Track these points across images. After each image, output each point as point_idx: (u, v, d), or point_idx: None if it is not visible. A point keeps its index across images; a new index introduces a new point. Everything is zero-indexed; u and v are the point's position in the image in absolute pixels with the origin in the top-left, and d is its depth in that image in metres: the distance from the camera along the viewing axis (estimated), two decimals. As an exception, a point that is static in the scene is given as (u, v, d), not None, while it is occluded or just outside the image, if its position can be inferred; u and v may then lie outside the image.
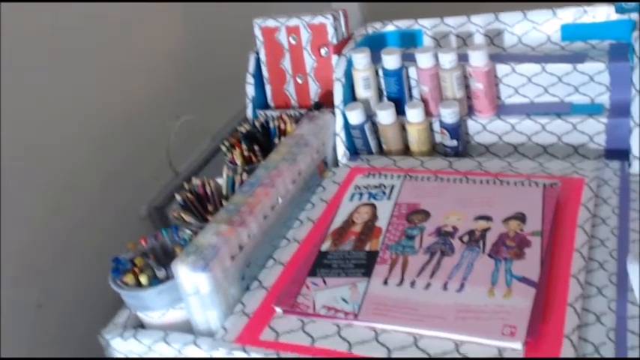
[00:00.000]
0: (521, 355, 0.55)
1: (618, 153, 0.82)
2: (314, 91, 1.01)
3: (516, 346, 0.56)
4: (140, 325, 0.72)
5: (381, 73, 0.93)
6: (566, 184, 0.76)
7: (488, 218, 0.71)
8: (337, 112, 0.93)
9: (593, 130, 0.83)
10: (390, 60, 0.91)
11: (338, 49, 0.97)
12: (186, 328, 0.69)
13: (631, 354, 0.54)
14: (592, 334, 0.57)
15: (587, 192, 0.74)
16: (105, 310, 0.75)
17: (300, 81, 1.02)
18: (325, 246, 0.73)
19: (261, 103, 1.04)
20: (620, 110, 0.83)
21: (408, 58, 0.92)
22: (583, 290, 0.61)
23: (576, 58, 0.86)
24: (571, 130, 0.85)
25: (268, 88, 1.04)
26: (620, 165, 0.80)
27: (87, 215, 1.00)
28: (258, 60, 1.03)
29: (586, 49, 0.88)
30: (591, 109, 0.84)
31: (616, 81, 0.84)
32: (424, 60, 0.89)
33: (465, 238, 0.69)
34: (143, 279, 0.68)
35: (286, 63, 1.01)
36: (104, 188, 1.03)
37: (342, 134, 0.93)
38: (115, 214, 1.05)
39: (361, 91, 0.94)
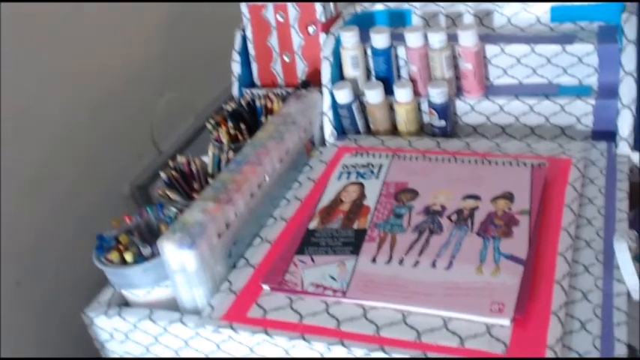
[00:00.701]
0: (509, 332, 0.55)
1: (605, 134, 0.82)
2: (301, 70, 1.00)
3: (504, 323, 0.56)
4: (125, 304, 0.71)
5: (369, 52, 0.92)
6: (554, 164, 0.76)
7: (476, 197, 0.71)
8: (325, 90, 0.92)
9: (581, 112, 0.83)
10: (379, 39, 0.90)
11: (326, 28, 0.96)
12: (172, 306, 0.68)
13: (617, 331, 0.55)
14: (579, 311, 0.57)
15: (575, 172, 0.75)
16: (88, 289, 0.74)
17: (287, 59, 1.00)
18: (313, 224, 0.72)
19: (247, 81, 1.03)
20: (608, 92, 0.83)
21: (397, 38, 0.91)
22: (570, 268, 0.62)
23: (565, 39, 0.86)
24: (559, 111, 0.85)
25: (254, 67, 1.02)
26: (607, 146, 0.80)
27: (68, 193, 0.98)
28: (244, 37, 1.01)
29: (575, 31, 0.88)
30: (579, 91, 0.84)
31: (604, 63, 0.84)
32: (413, 39, 0.88)
33: (454, 217, 0.69)
34: (128, 256, 0.67)
35: (273, 41, 1.00)
36: (86, 166, 1.01)
37: (329, 113, 0.92)
38: (98, 192, 1.03)
39: (349, 70, 0.93)
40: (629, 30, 0.79)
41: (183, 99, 1.22)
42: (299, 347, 0.60)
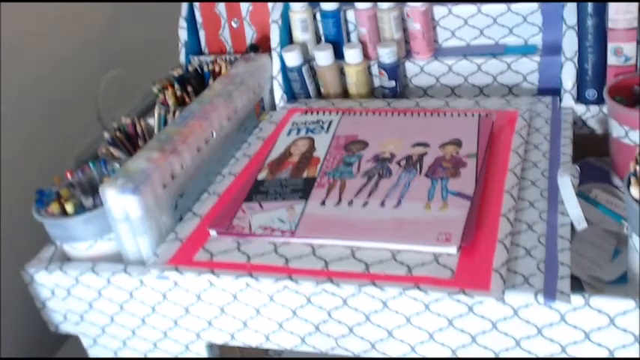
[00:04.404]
0: (456, 259, 0.55)
1: (550, 91, 0.84)
2: (250, 36, 0.99)
3: (451, 251, 0.56)
4: (67, 261, 0.68)
5: (318, 16, 0.92)
6: (501, 115, 0.77)
7: (425, 145, 0.72)
8: (274, 54, 0.91)
9: (527, 69, 0.85)
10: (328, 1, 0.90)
11: (275, -9, 0.95)
12: (116, 260, 0.66)
13: (561, 255, 0.55)
14: (524, 240, 0.58)
15: (521, 122, 0.76)
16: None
17: (235, 25, 0.99)
18: (262, 175, 0.71)
19: (194, 49, 1.01)
20: (552, 49, 0.84)
21: (346, 1, 0.91)
22: (516, 203, 0.62)
23: (510, -4, 0.87)
24: (506, 69, 0.86)
25: (202, 34, 1.01)
26: (551, 99, 0.81)
27: (9, 171, 0.94)
28: (191, 4, 1.00)
29: (519, -9, 0.89)
30: (525, 50, 0.86)
31: (548, 21, 0.85)
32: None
33: (403, 162, 0.69)
34: (69, 207, 0.64)
35: (221, 7, 0.99)
36: (30, 144, 0.98)
37: (279, 77, 0.91)
38: (40, 170, 0.99)
39: (298, 34, 0.92)
40: (571, -15, 0.81)
41: (131, 77, 1.19)
42: (247, 291, 0.59)
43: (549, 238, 0.57)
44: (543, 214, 0.61)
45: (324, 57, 0.89)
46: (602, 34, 0.76)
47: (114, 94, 1.16)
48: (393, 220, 0.60)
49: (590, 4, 0.75)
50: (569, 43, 0.80)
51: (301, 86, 0.92)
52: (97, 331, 0.68)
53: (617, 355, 0.53)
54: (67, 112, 1.06)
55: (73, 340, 0.74)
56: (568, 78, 0.80)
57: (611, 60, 0.76)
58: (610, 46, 0.75)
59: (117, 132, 0.80)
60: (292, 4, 0.91)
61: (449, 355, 0.57)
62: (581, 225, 0.58)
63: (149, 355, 0.68)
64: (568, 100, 0.81)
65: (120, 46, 1.17)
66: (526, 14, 0.86)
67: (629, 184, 0.53)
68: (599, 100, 0.80)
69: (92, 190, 0.70)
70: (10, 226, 0.93)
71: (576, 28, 0.79)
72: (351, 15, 0.92)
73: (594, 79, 0.79)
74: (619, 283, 0.61)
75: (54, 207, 0.65)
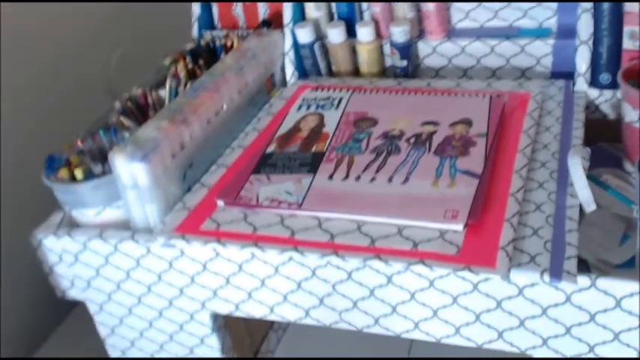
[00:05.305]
0: (462, 236, 0.55)
1: (564, 75, 0.83)
2: (262, 12, 0.99)
3: (457, 228, 0.56)
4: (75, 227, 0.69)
5: (331, -7, 0.92)
6: (513, 97, 0.76)
7: (435, 123, 0.71)
8: (286, 30, 0.90)
9: (541, 52, 0.84)
10: (342, -23, 0.89)
11: (289, -33, 0.94)
12: (124, 228, 0.66)
13: (568, 236, 0.55)
14: (531, 220, 0.57)
15: (533, 104, 0.75)
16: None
17: (247, 2, 0.99)
18: (270, 149, 0.71)
19: (207, 23, 1.01)
20: (566, 33, 0.83)
21: (360, -21, 0.90)
22: (525, 184, 0.62)
23: (526, -23, 0.86)
24: (519, 52, 0.85)
25: (215, 9, 1.01)
26: (565, 83, 0.81)
27: (24, 146, 0.94)
28: (204, -20, 0.99)
29: (535, -27, 0.88)
30: (539, 33, 0.85)
31: (563, 3, 0.84)
32: (376, -23, 0.87)
33: (412, 140, 0.69)
34: (78, 173, 0.65)
35: (234, -18, 0.98)
36: (43, 120, 0.98)
37: (290, 54, 0.90)
38: (52, 147, 1.00)
39: (311, 12, 0.92)
40: (588, -32, 0.80)
41: (144, 54, 1.19)
42: (252, 261, 0.59)
43: (557, 219, 0.57)
44: (552, 195, 0.60)
45: (336, 34, 0.89)
46: (617, 17, 0.75)
47: (126, 71, 1.16)
48: (400, 196, 0.60)
49: (607, -13, 0.74)
50: (585, 26, 0.79)
51: (312, 63, 0.91)
52: (103, 298, 0.69)
53: (622, 338, 0.53)
54: (80, 88, 1.06)
55: (79, 309, 0.75)
56: (582, 61, 0.79)
57: (627, 44, 0.75)
58: (626, 29, 0.74)
59: (128, 102, 0.80)
60: (306, -19, 0.90)
61: (452, 332, 0.58)
62: (590, 207, 0.58)
63: (154, 324, 0.69)
64: (581, 84, 0.80)
65: (134, 24, 1.17)
66: (541, -4, 0.85)
67: (639, 167, 0.53)
68: (613, 85, 0.79)
69: (102, 157, 0.71)
70: (22, 195, 0.93)
71: (592, 10, 0.78)
72: (364, -7, 0.91)
73: (609, 63, 0.78)
74: (627, 267, 0.61)
75: (63, 173, 0.65)
